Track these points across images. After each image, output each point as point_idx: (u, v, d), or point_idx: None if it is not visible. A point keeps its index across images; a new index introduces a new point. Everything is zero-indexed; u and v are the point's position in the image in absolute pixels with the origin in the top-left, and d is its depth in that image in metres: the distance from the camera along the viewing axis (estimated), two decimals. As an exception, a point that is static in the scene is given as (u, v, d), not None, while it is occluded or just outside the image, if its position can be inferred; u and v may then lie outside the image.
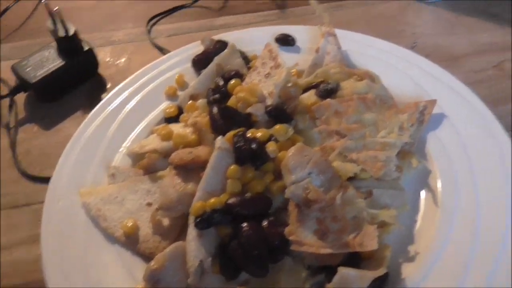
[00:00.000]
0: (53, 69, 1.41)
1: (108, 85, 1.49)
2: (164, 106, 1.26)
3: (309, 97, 1.10)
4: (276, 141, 0.99)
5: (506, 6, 1.56)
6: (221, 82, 1.18)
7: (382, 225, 0.93)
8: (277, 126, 1.00)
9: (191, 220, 0.91)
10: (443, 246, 0.91)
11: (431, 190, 1.01)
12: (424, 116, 1.09)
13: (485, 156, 1.02)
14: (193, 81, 1.30)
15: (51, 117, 1.39)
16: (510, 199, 0.94)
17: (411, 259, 0.92)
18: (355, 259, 0.88)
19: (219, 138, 0.97)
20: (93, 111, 1.27)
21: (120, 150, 1.17)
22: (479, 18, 1.53)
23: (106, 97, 1.31)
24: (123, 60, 1.58)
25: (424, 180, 1.04)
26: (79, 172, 1.13)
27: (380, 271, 0.84)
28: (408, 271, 0.90)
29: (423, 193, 1.02)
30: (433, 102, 1.11)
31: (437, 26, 1.52)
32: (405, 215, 0.98)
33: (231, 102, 1.09)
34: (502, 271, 0.85)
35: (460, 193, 0.98)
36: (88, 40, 1.52)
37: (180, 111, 1.23)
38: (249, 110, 1.05)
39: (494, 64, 1.35)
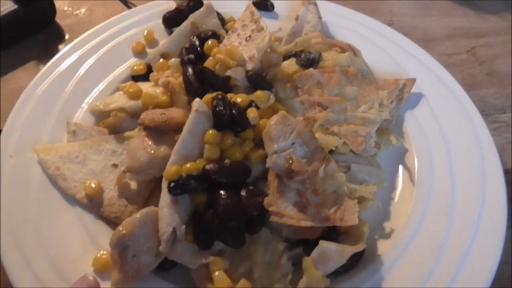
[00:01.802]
0: (4, 13, 1.27)
1: (66, 36, 1.38)
2: (131, 63, 1.18)
3: (290, 65, 1.05)
4: (257, 108, 0.94)
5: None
6: (197, 42, 1.10)
7: (360, 201, 0.92)
8: (258, 92, 0.95)
9: (165, 185, 0.84)
10: (419, 224, 0.91)
11: (408, 169, 1.01)
12: (403, 94, 1.08)
13: (461, 138, 1.03)
14: (163, 39, 1.22)
15: (0, 66, 1.27)
16: (485, 180, 0.95)
17: (387, 236, 0.91)
18: (333, 234, 0.86)
19: (197, 100, 0.91)
20: (50, 61, 1.16)
21: (82, 106, 1.08)
22: (454, 1, 1.54)
23: (65, 48, 1.20)
24: (83, 10, 1.46)
25: (400, 158, 1.03)
26: (34, 126, 1.03)
27: (360, 247, 0.83)
28: (384, 248, 0.89)
29: (399, 171, 1.01)
30: (412, 81, 1.10)
31: (413, 6, 1.51)
32: (381, 192, 0.97)
33: (208, 63, 1.02)
34: (477, 250, 0.86)
35: (436, 172, 0.98)
36: (46, -16, 1.39)
37: (149, 69, 1.15)
38: (228, 73, 0.98)
39: (467, 49, 1.36)
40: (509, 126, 1.16)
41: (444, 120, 1.06)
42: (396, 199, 0.97)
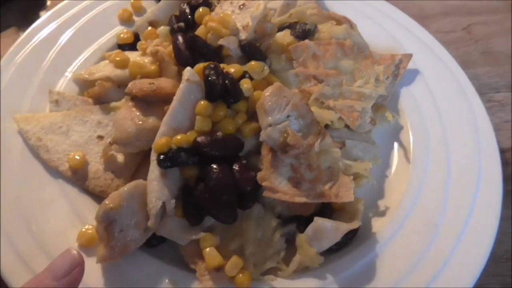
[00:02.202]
0: (-19, -25, 1.20)
1: (48, 3, 1.31)
2: (117, 31, 1.12)
3: (284, 36, 1.01)
4: (251, 79, 0.90)
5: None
6: (187, 10, 1.05)
7: (354, 178, 0.89)
8: (252, 63, 0.91)
9: (154, 157, 0.81)
10: (414, 202, 0.89)
11: (403, 146, 0.99)
12: (399, 70, 1.05)
13: (457, 115, 1.00)
14: (151, 6, 1.16)
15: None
16: (480, 158, 0.93)
17: (381, 213, 0.89)
18: (327, 211, 0.84)
19: (188, 69, 0.87)
20: (30, 28, 1.10)
21: (65, 75, 1.03)
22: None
23: (46, 14, 1.14)
24: (65, -24, 1.39)
25: (395, 135, 1.01)
26: (14, 95, 0.98)
27: (355, 224, 0.81)
28: (378, 225, 0.87)
29: (394, 148, 0.99)
30: (408, 57, 1.07)
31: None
32: (376, 169, 0.95)
33: (200, 32, 0.98)
34: (472, 229, 0.84)
35: (432, 149, 0.96)
36: None
37: (136, 38, 1.10)
38: (221, 42, 0.94)
39: (463, 27, 1.34)
40: (503, 105, 1.15)
41: (440, 97, 1.03)
42: (390, 176, 0.95)
